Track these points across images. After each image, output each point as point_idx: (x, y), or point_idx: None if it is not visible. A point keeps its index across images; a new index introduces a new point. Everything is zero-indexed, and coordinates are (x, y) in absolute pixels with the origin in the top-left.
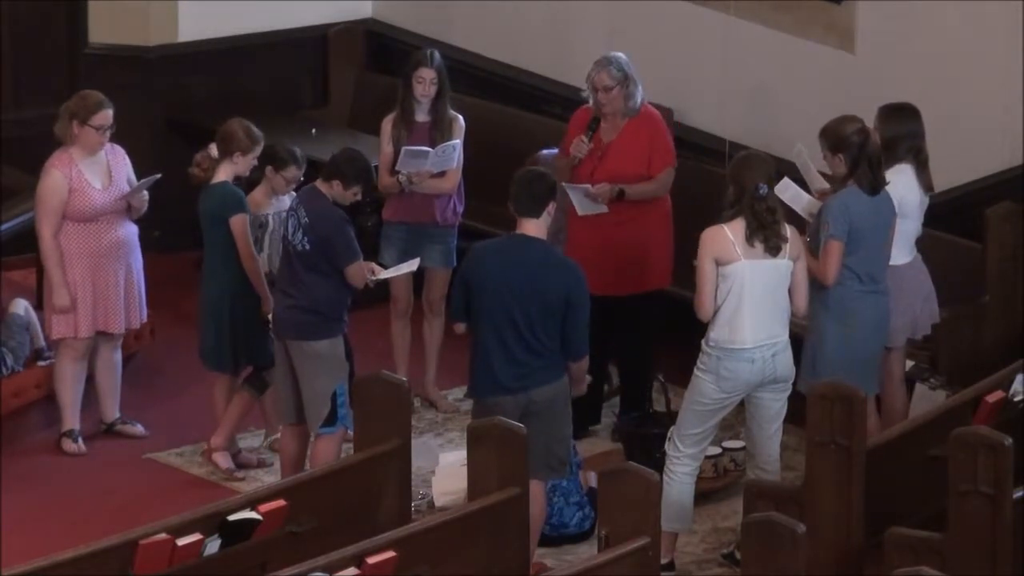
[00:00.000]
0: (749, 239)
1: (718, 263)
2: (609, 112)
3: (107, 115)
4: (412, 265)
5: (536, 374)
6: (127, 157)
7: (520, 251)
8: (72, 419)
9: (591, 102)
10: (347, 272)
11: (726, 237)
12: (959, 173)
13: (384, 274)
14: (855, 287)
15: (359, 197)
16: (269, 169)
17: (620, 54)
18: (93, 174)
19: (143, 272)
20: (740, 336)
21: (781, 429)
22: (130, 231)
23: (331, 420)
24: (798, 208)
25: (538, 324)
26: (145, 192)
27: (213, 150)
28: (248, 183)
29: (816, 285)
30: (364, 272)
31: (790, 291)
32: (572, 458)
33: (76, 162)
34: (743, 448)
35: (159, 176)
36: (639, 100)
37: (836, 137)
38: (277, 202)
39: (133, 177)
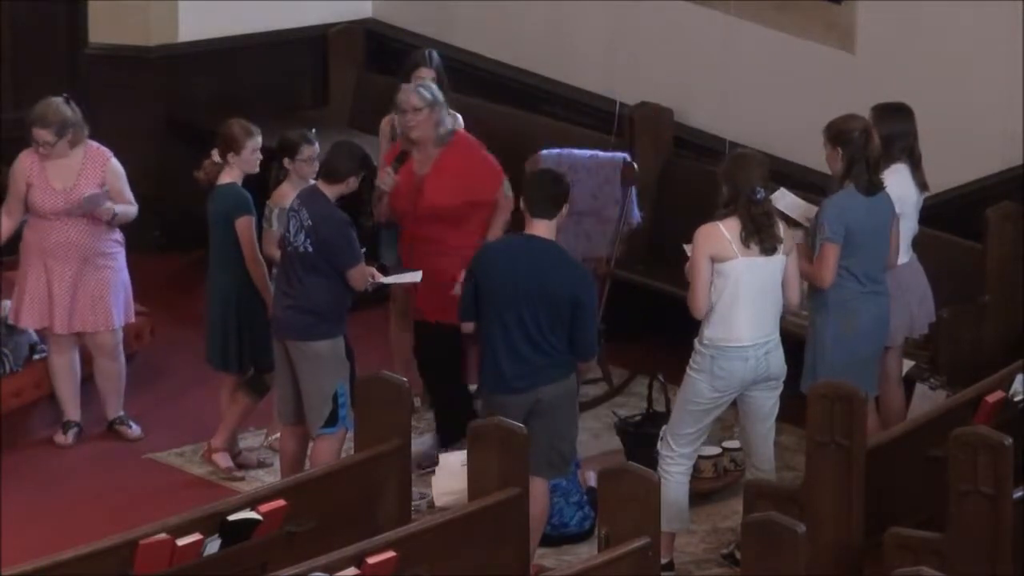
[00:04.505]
0: (745, 241)
1: (714, 260)
2: (417, 136)
3: (37, 133)
4: (415, 276)
5: (543, 372)
6: (110, 162)
7: (529, 251)
8: (71, 411)
9: (399, 129)
10: (348, 275)
11: (722, 235)
12: (959, 173)
13: (385, 280)
14: (854, 288)
15: (358, 182)
16: (286, 161)
17: (432, 83)
18: (56, 174)
19: (116, 279)
20: (736, 334)
21: (774, 427)
22: (92, 236)
23: (332, 420)
24: (796, 215)
25: (545, 324)
26: (108, 203)
27: (215, 155)
28: (274, 182)
29: (815, 286)
30: (365, 275)
31: (782, 285)
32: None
33: (46, 158)
34: (742, 448)
35: (101, 191)
36: (449, 127)
37: (838, 130)
38: None
39: (117, 181)
